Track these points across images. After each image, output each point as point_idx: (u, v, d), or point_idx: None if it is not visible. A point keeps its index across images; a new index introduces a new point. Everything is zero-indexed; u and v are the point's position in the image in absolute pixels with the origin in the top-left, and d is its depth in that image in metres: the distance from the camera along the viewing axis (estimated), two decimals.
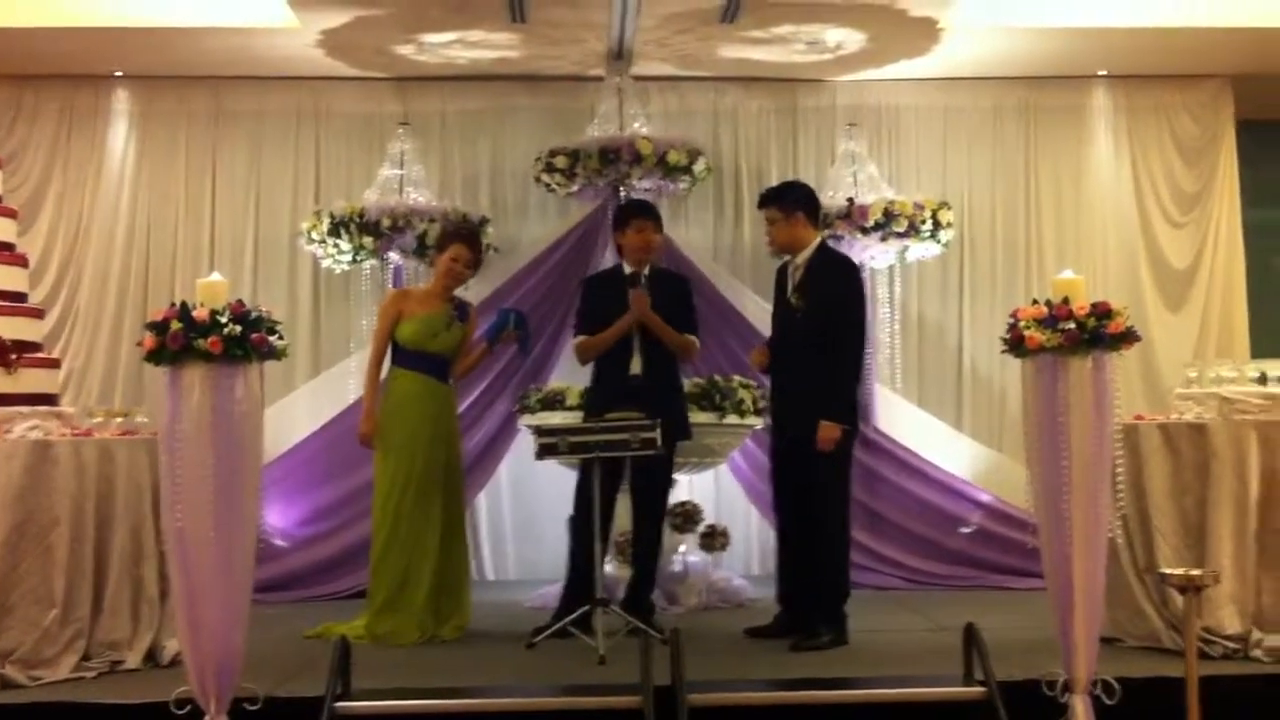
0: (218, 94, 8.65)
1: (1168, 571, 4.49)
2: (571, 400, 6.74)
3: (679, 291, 6.18)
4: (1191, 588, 4.28)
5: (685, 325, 6.07)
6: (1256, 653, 5.07)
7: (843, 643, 5.61)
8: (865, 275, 7.61)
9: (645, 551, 6.09)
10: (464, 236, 6.32)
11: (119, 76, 8.58)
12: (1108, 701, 4.16)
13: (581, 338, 6.12)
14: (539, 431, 5.68)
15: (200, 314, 3.90)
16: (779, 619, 5.84)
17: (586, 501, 5.71)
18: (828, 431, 5.56)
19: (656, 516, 6.15)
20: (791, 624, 5.73)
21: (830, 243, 6.34)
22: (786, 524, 5.89)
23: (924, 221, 7.94)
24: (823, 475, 5.65)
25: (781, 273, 5.96)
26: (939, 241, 8.12)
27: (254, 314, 3.97)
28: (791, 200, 5.87)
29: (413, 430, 5.98)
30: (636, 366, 5.95)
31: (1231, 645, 5.12)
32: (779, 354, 5.87)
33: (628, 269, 6.12)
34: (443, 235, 6.40)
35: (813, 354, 5.64)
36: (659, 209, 6.39)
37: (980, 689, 4.37)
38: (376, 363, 6.14)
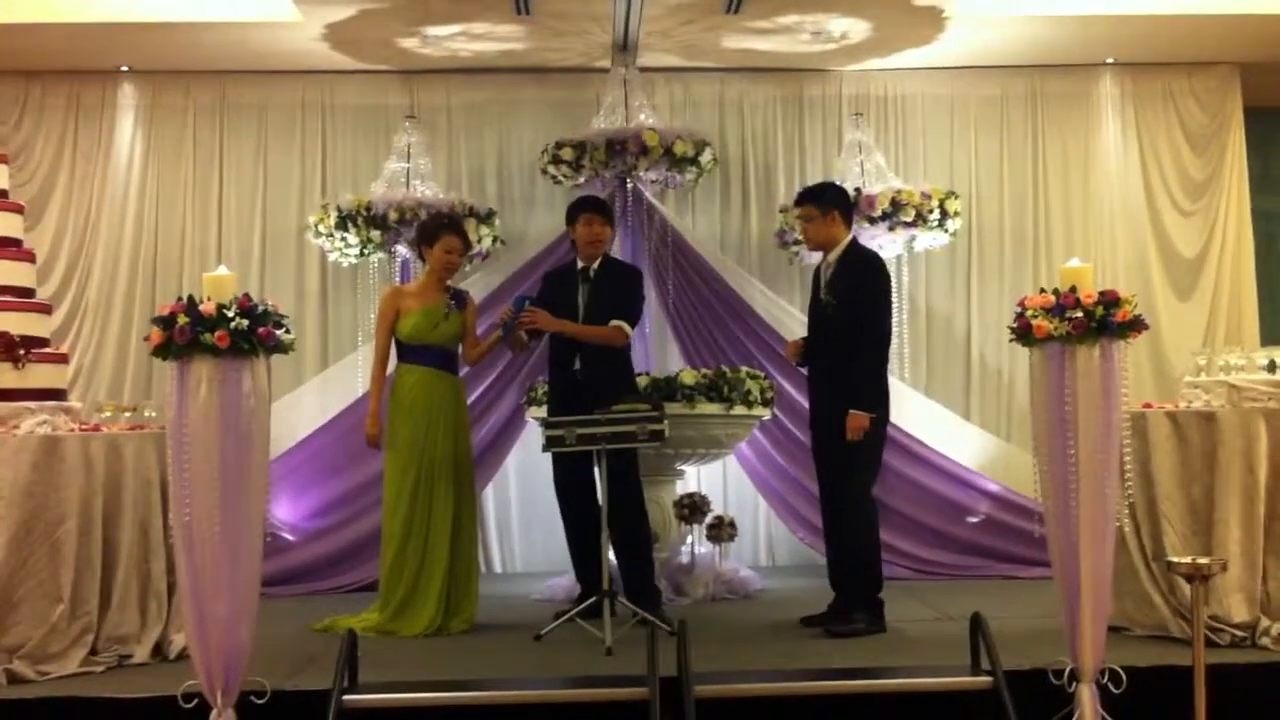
0: (223, 88, 8.65)
1: (1175, 560, 4.48)
2: None
3: (624, 281, 6.27)
4: (1199, 576, 4.27)
5: (617, 312, 6.13)
6: (1264, 640, 5.08)
7: (879, 629, 5.68)
8: None
9: (632, 541, 6.11)
10: (452, 226, 6.33)
11: (125, 71, 8.58)
12: (1114, 690, 4.16)
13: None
14: (546, 423, 5.69)
15: (207, 308, 3.90)
16: (832, 606, 5.88)
17: (567, 497, 6.13)
18: (855, 421, 5.64)
19: (634, 504, 6.14)
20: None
21: None
22: (830, 514, 5.95)
23: (931, 211, 7.93)
24: (850, 465, 5.74)
25: (817, 271, 6.08)
26: (946, 231, 8.11)
27: (261, 308, 3.97)
28: (829, 199, 6.00)
29: (421, 425, 6.00)
30: (577, 362, 6.08)
31: (1239, 633, 5.12)
32: (813, 350, 5.98)
33: (580, 263, 6.26)
34: (429, 229, 6.30)
35: (841, 348, 5.74)
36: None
37: (987, 679, 4.35)
38: (380, 364, 6.16)
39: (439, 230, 6.24)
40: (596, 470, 5.69)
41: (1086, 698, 4.11)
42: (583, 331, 6.09)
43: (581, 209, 6.29)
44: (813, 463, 6.15)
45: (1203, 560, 4.36)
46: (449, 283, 6.28)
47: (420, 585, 5.93)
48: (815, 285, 6.03)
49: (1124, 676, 4.18)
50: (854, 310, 5.77)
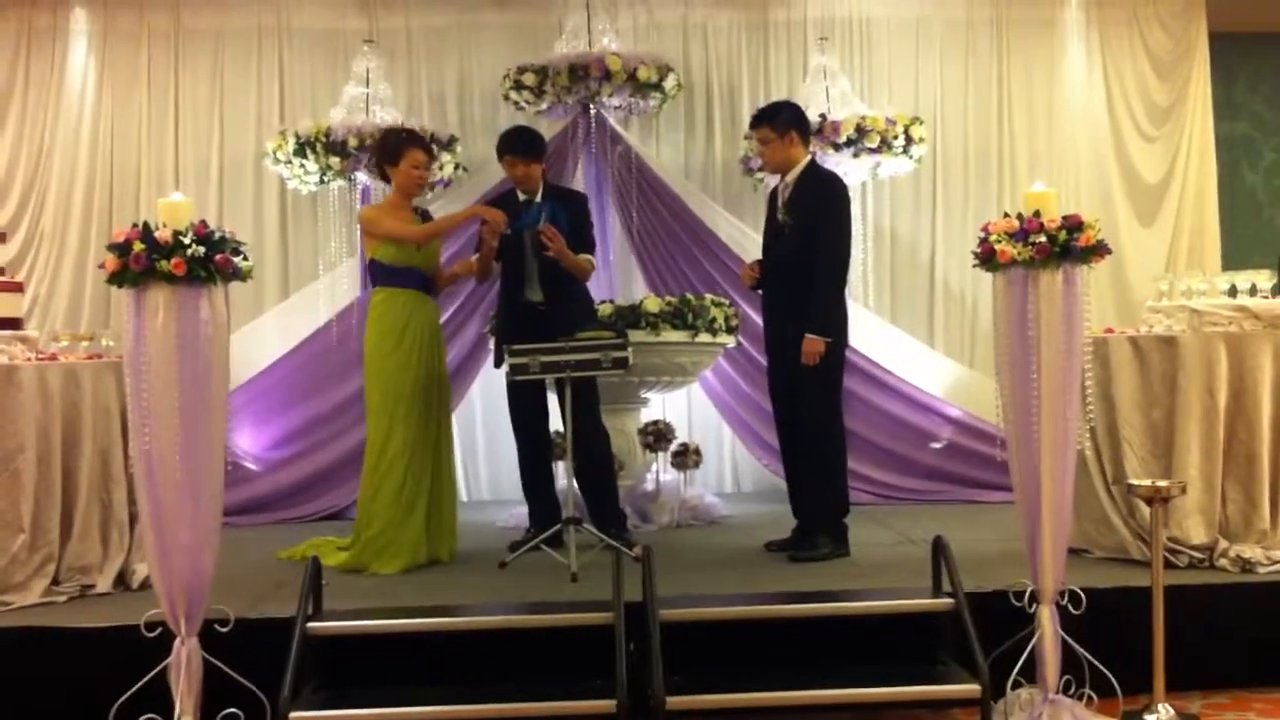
0: (178, 12, 8.48)
1: (1135, 483, 4.52)
2: None
3: (577, 211, 6.17)
4: (1158, 498, 4.32)
5: (583, 245, 6.10)
6: (1222, 562, 5.13)
7: (844, 554, 5.71)
8: None
9: (595, 467, 6.11)
10: (414, 139, 6.02)
11: None
12: (1074, 611, 4.20)
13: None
14: (510, 352, 5.66)
15: (163, 235, 3.83)
16: (796, 531, 5.90)
17: (523, 422, 6.12)
18: (811, 345, 5.60)
19: (596, 431, 6.12)
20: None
21: None
22: (788, 439, 5.94)
23: (896, 137, 7.89)
24: (811, 390, 5.70)
25: (774, 193, 5.98)
26: (911, 157, 8.08)
27: (218, 234, 3.91)
28: (785, 120, 5.88)
29: (406, 349, 5.78)
30: (535, 295, 5.98)
31: (1197, 555, 5.18)
32: (769, 272, 5.91)
33: (521, 196, 6.12)
34: (391, 145, 5.97)
35: (799, 270, 5.68)
36: (538, 137, 6.23)
37: (949, 600, 4.40)
38: (434, 222, 6.00)
39: (401, 145, 5.92)
40: (555, 398, 5.65)
41: (1046, 618, 4.15)
42: (575, 262, 5.98)
43: (499, 152, 6.12)
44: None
45: (1162, 483, 4.42)
46: (415, 203, 6.09)
47: (405, 524, 5.68)
48: (772, 206, 5.95)
49: (1084, 597, 4.23)
50: (812, 231, 5.69)
